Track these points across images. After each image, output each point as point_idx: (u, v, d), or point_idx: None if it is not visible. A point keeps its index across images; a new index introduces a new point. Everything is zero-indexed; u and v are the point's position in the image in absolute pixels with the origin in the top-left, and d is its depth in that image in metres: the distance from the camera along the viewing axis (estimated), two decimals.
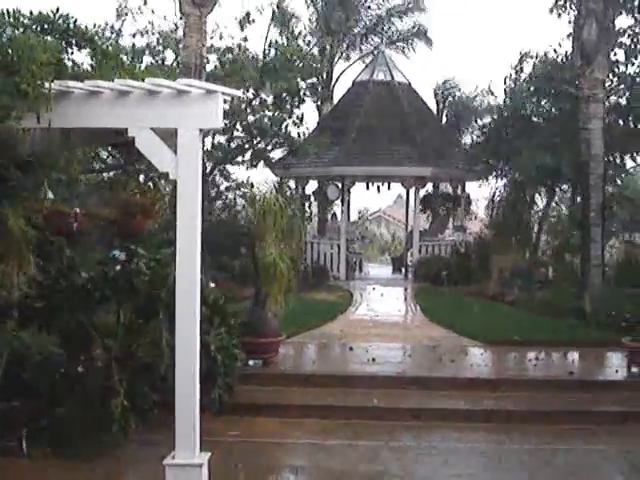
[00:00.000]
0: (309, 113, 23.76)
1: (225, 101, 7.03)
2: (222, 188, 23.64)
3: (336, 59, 29.73)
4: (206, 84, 7.13)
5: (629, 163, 22.79)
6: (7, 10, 8.52)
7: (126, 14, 21.97)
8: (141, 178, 17.79)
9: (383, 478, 8.14)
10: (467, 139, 28.28)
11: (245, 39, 21.19)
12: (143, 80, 6.77)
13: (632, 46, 20.01)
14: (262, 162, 22.10)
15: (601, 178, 17.55)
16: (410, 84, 26.40)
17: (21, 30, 8.72)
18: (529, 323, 14.91)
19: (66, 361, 8.66)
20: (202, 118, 6.74)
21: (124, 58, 13.45)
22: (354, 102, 25.37)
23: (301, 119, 21.45)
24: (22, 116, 6.40)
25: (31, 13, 9.83)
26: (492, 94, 24.67)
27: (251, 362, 11.18)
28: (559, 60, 20.94)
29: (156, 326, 8.77)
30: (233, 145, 21.26)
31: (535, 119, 20.63)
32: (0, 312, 8.37)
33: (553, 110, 21.08)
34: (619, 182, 22.37)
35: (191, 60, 13.46)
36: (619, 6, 19.03)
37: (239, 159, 21.62)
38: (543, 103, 21.19)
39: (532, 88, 20.97)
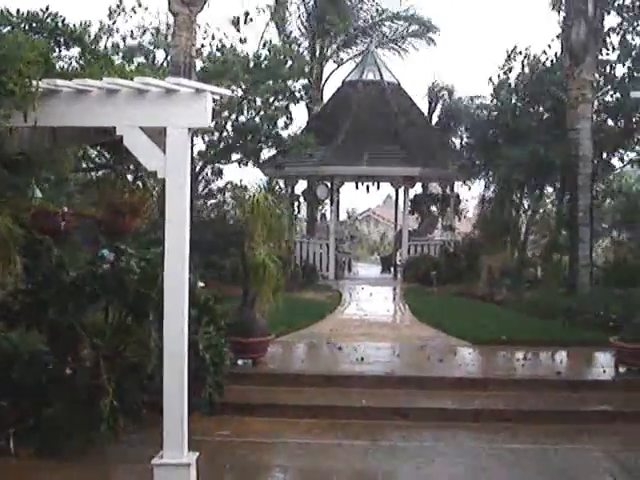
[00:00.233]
0: (299, 113, 23.75)
1: (214, 100, 7.02)
2: (212, 187, 23.65)
3: (326, 58, 29.71)
4: (195, 83, 7.12)
5: (619, 163, 22.89)
6: None
7: (118, 14, 21.96)
8: (130, 177, 17.76)
9: (371, 478, 8.15)
10: (458, 140, 28.31)
11: (242, 40, 21.29)
12: (132, 79, 6.75)
13: (623, 45, 20.06)
14: (252, 161, 22.10)
15: (589, 178, 17.63)
16: (399, 84, 26.42)
17: (9, 28, 8.69)
18: (517, 323, 14.95)
19: (54, 361, 8.64)
20: (191, 117, 6.72)
21: (114, 57, 13.46)
22: (343, 102, 25.38)
23: (291, 119, 21.49)
24: (9, 114, 6.37)
25: (19, 11, 9.81)
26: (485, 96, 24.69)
27: (240, 362, 11.16)
28: (548, 62, 20.98)
29: (145, 325, 8.75)
30: (223, 144, 21.25)
31: (524, 119, 20.62)
32: None
33: (541, 109, 21.13)
34: (608, 181, 22.45)
35: (180, 59, 13.49)
36: (608, 5, 19.09)
37: (229, 158, 21.61)
38: (532, 107, 21.23)
39: (519, 90, 21.03)
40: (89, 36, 11.98)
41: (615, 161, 22.22)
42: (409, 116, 25.33)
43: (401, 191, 25.66)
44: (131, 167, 17.49)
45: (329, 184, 24.38)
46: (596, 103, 19.43)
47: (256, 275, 11.18)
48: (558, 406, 10.20)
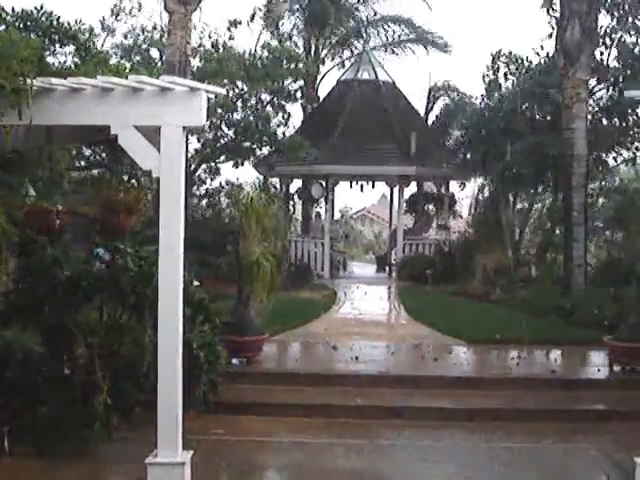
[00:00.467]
0: (294, 112, 23.76)
1: (209, 99, 7.02)
2: (207, 186, 23.66)
3: (321, 58, 29.69)
4: (190, 82, 7.13)
5: (612, 162, 22.94)
6: None
7: (117, 15, 21.97)
8: (124, 176, 17.75)
9: (365, 476, 8.15)
10: (454, 139, 28.32)
11: (231, 37, 21.31)
12: (127, 77, 6.75)
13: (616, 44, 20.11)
14: (247, 160, 22.10)
15: (584, 177, 17.64)
16: (394, 83, 26.45)
17: (3, 27, 8.70)
18: (512, 322, 14.91)
19: (48, 359, 8.62)
20: (186, 116, 6.72)
21: (111, 57, 13.46)
22: (338, 101, 25.38)
23: (287, 118, 21.51)
24: (3, 112, 6.36)
25: (13, 10, 9.81)
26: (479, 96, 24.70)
27: (235, 361, 11.16)
28: (540, 62, 21.03)
29: (140, 324, 8.74)
30: (218, 144, 21.25)
31: (518, 119, 20.65)
32: None
33: (535, 107, 21.16)
34: (603, 179, 22.53)
35: (175, 57, 13.46)
36: (600, 4, 19.11)
37: (224, 157, 21.62)
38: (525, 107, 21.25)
39: (510, 91, 21.09)
40: (83, 35, 11.96)
41: (609, 160, 22.34)
42: (404, 115, 25.34)
43: (396, 190, 25.68)
44: (126, 166, 17.50)
45: (324, 183, 24.39)
46: (590, 102, 19.44)
47: (250, 274, 11.19)
48: (553, 405, 10.22)
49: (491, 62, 21.72)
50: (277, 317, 12.66)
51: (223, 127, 21.04)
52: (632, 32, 20.27)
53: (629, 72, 19.84)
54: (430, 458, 8.61)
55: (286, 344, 13.43)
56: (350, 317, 16.49)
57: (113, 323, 9.06)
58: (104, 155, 18.71)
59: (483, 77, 21.85)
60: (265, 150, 22.40)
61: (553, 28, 19.06)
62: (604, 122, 20.88)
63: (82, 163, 18.70)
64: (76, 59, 10.04)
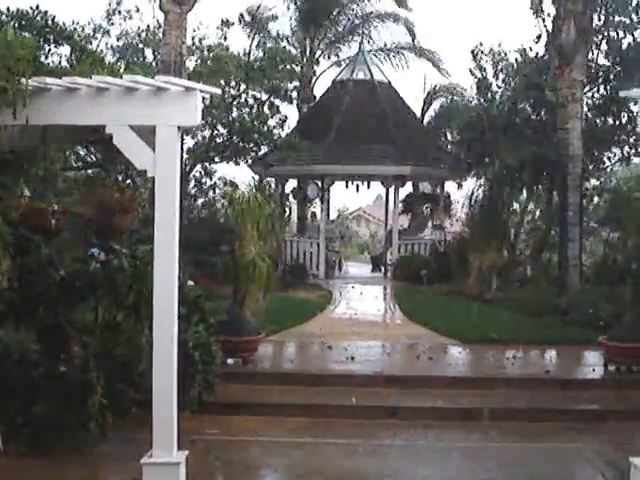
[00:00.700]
0: (289, 112, 23.74)
1: (204, 99, 7.02)
2: (202, 186, 23.64)
3: (316, 58, 29.68)
4: (185, 81, 7.13)
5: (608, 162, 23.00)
6: None
7: (113, 13, 21.93)
8: (119, 175, 17.73)
9: (361, 476, 8.15)
10: (449, 138, 28.35)
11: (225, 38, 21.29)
12: (122, 77, 6.74)
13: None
14: (242, 160, 22.10)
15: (579, 178, 17.68)
16: (390, 83, 26.45)
17: None
18: (507, 322, 14.96)
19: (44, 359, 8.61)
20: (180, 116, 6.71)
21: (104, 56, 13.43)
22: (334, 101, 25.37)
23: (284, 119, 21.51)
24: None
25: (8, 9, 9.80)
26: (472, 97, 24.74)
27: (230, 361, 11.14)
28: (533, 62, 21.07)
29: (136, 324, 8.74)
30: (214, 143, 21.24)
31: (513, 117, 20.70)
32: None
33: (529, 108, 21.20)
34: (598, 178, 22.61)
35: (170, 57, 13.45)
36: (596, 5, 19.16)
37: (220, 157, 21.61)
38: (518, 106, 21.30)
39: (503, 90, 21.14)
40: (79, 36, 11.98)
41: (604, 159, 22.39)
42: (400, 115, 25.35)
43: (391, 190, 25.68)
44: (121, 165, 17.48)
45: (319, 183, 24.39)
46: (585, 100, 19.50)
47: (246, 274, 11.19)
48: (548, 404, 10.22)
49: (472, 58, 21.76)
50: (272, 317, 12.68)
51: (219, 127, 21.02)
52: (620, 30, 20.31)
53: (618, 69, 19.93)
54: (426, 458, 8.62)
55: (282, 344, 13.43)
56: (345, 317, 16.50)
57: (108, 323, 9.07)
58: (99, 155, 18.71)
59: (471, 71, 21.90)
60: (261, 150, 22.39)
61: (544, 30, 19.07)
62: (597, 121, 20.92)
63: (77, 163, 18.69)
64: (72, 58, 10.03)
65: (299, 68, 21.58)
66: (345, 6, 29.26)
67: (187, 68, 15.56)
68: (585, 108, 20.34)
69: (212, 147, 21.07)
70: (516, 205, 22.84)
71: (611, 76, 20.26)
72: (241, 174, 32.40)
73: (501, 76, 21.98)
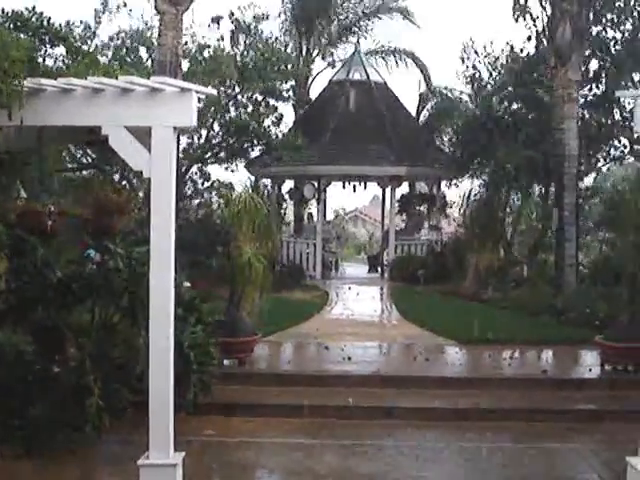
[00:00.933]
0: (285, 112, 23.73)
1: (200, 99, 7.02)
2: (199, 187, 23.62)
3: (312, 58, 29.66)
4: (180, 82, 7.12)
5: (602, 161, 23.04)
6: None
7: (101, 14, 21.89)
8: (116, 176, 17.70)
9: (357, 477, 8.15)
10: (444, 138, 28.33)
11: (222, 38, 21.28)
12: (117, 78, 6.74)
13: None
14: (239, 161, 22.09)
15: (575, 177, 17.70)
16: (386, 83, 26.46)
17: None
18: (504, 322, 14.98)
19: (40, 360, 8.61)
20: (176, 116, 6.71)
21: (99, 56, 13.42)
22: (330, 101, 25.38)
23: (280, 119, 21.49)
24: None
25: (3, 10, 9.78)
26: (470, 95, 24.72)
27: (226, 361, 11.14)
28: (523, 58, 21.10)
29: (132, 324, 8.73)
30: (209, 145, 21.23)
31: (507, 117, 20.70)
32: None
33: (520, 107, 21.21)
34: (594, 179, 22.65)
35: (166, 58, 13.44)
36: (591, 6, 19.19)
37: (216, 158, 21.60)
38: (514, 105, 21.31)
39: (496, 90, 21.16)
40: (74, 37, 11.96)
41: (600, 158, 22.43)
42: (396, 115, 25.35)
43: (388, 190, 25.68)
44: (117, 166, 17.45)
45: (316, 184, 24.39)
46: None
47: (242, 275, 11.19)
48: (544, 405, 10.23)
49: (463, 50, 21.81)
50: (269, 318, 12.64)
51: (215, 127, 21.02)
52: (608, 27, 20.35)
53: (609, 66, 20.01)
54: (422, 459, 8.61)
55: (278, 345, 13.42)
56: (342, 318, 16.50)
57: (105, 324, 9.06)
58: (95, 156, 18.70)
59: (463, 72, 21.95)
60: (257, 151, 22.39)
61: (549, 32, 19.04)
62: (591, 119, 20.95)
63: (73, 164, 18.67)
64: (67, 60, 10.02)
65: (293, 67, 21.48)
66: (340, 6, 29.28)
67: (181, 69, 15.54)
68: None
69: (208, 148, 21.05)
70: (513, 204, 22.80)
71: (602, 73, 20.29)
72: (237, 175, 32.32)
73: (493, 74, 21.97)
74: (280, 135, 21.91)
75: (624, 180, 16.36)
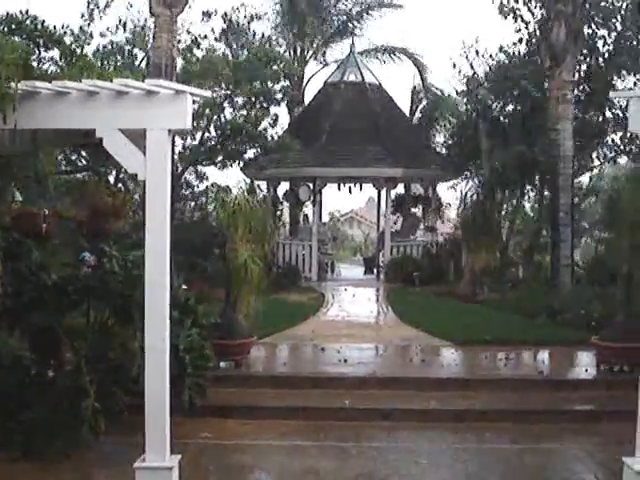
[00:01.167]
0: (280, 114, 23.68)
1: (195, 102, 7.01)
2: (194, 189, 23.58)
3: (307, 60, 29.66)
4: (175, 84, 7.10)
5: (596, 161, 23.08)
6: None
7: (93, 11, 21.79)
8: (111, 179, 17.66)
9: (354, 479, 8.14)
10: (440, 140, 28.35)
11: (217, 39, 21.25)
12: (112, 81, 6.73)
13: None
14: (234, 163, 22.04)
15: (570, 178, 17.72)
16: (381, 85, 26.48)
17: None
18: (500, 323, 14.99)
19: (35, 363, 8.59)
20: (171, 119, 6.70)
21: (93, 59, 13.38)
22: (325, 103, 25.38)
23: (275, 120, 21.46)
24: None
25: None
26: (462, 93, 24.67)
27: (222, 364, 11.13)
28: (517, 57, 21.11)
29: (128, 327, 8.72)
30: (204, 147, 21.17)
31: (502, 119, 20.70)
32: None
33: (515, 107, 21.20)
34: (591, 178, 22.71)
35: (162, 60, 13.39)
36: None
37: (211, 160, 21.55)
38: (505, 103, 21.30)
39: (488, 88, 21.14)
40: (70, 40, 11.95)
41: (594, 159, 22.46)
42: (391, 117, 25.37)
43: (383, 192, 25.69)
44: (112, 169, 17.42)
45: (311, 185, 24.39)
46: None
47: (238, 277, 11.18)
48: (541, 405, 10.24)
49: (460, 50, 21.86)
50: (265, 320, 12.63)
51: (211, 129, 20.97)
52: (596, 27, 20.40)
53: (600, 65, 20.05)
54: (419, 460, 8.60)
55: (274, 347, 13.41)
56: (338, 319, 16.49)
57: (100, 327, 9.05)
58: (90, 158, 18.65)
59: (458, 71, 21.96)
60: (252, 153, 22.35)
61: (543, 32, 19.07)
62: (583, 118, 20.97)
63: (68, 167, 18.63)
64: (61, 63, 9.99)
65: (285, 65, 21.43)
66: (334, 6, 29.33)
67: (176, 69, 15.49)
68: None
69: (203, 151, 21.00)
70: (508, 206, 22.82)
71: (592, 72, 20.34)
72: (233, 177, 32.23)
73: (486, 70, 21.97)
74: (276, 137, 21.87)
75: (617, 179, 16.35)
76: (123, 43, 21.01)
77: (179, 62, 18.36)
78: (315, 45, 29.52)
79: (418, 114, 28.41)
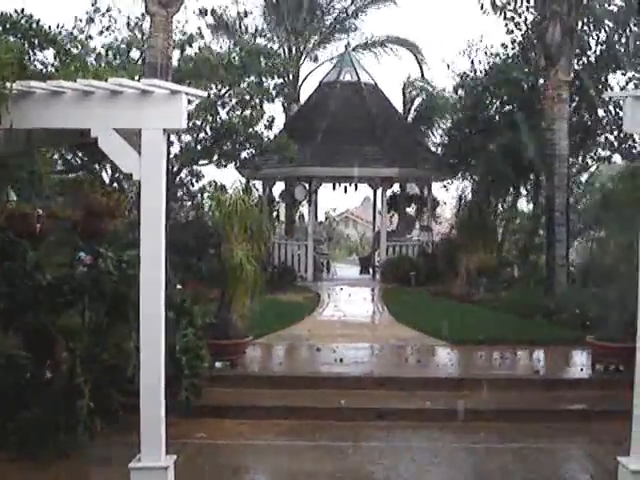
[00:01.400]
0: (276, 114, 23.69)
1: (190, 101, 7.00)
2: (190, 189, 23.56)
3: (302, 59, 29.67)
4: (170, 84, 7.09)
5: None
6: None
7: (92, 13, 21.79)
8: (106, 178, 17.62)
9: (350, 478, 8.14)
10: (434, 139, 28.35)
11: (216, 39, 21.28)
12: (107, 80, 6.72)
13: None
14: (230, 163, 22.03)
15: (566, 178, 17.72)
16: (376, 84, 26.51)
17: None
18: (495, 322, 15.00)
19: (31, 363, 8.58)
20: (166, 118, 6.70)
21: (89, 59, 13.38)
22: (321, 103, 25.39)
23: (271, 122, 21.46)
24: None
25: None
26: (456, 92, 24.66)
27: (218, 364, 11.13)
28: (509, 55, 21.11)
29: (123, 327, 8.71)
30: (200, 146, 21.16)
31: (497, 118, 20.69)
32: None
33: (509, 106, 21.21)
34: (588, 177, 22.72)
35: (157, 60, 13.37)
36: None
37: (207, 160, 21.53)
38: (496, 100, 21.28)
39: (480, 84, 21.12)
40: (63, 40, 11.91)
41: (589, 160, 22.47)
42: (386, 116, 25.39)
43: (379, 192, 25.70)
44: (107, 168, 17.38)
45: (307, 185, 24.39)
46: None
47: (233, 277, 11.17)
48: (536, 405, 10.25)
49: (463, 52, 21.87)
50: (260, 320, 12.64)
51: (207, 129, 20.96)
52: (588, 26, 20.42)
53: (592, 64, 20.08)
54: (415, 460, 8.61)
55: (270, 347, 13.40)
56: (334, 319, 16.49)
57: (95, 327, 9.02)
58: (85, 158, 18.63)
59: (460, 75, 21.93)
60: (247, 153, 22.34)
61: (538, 32, 19.06)
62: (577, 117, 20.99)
63: (63, 166, 18.61)
64: (56, 62, 9.99)
65: (278, 62, 21.42)
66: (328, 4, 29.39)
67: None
68: None
69: (198, 151, 20.98)
70: (503, 205, 22.82)
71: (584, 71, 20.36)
72: (229, 177, 32.24)
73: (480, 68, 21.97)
74: (272, 136, 21.87)
75: (612, 179, 16.34)
76: (120, 43, 21.00)
77: (175, 55, 18.38)
78: (308, 42, 29.53)
79: (413, 112, 28.43)
